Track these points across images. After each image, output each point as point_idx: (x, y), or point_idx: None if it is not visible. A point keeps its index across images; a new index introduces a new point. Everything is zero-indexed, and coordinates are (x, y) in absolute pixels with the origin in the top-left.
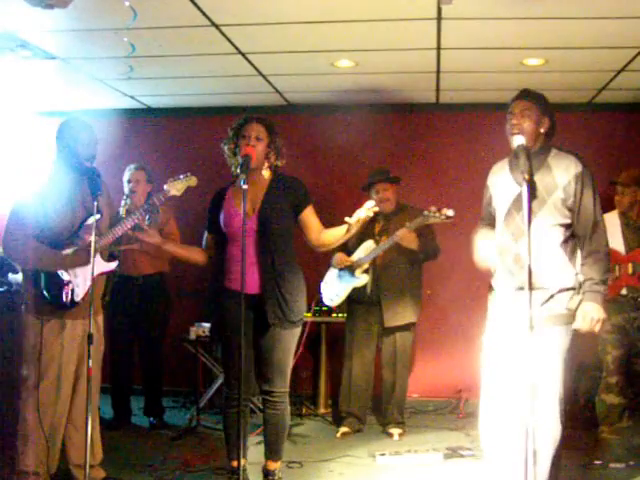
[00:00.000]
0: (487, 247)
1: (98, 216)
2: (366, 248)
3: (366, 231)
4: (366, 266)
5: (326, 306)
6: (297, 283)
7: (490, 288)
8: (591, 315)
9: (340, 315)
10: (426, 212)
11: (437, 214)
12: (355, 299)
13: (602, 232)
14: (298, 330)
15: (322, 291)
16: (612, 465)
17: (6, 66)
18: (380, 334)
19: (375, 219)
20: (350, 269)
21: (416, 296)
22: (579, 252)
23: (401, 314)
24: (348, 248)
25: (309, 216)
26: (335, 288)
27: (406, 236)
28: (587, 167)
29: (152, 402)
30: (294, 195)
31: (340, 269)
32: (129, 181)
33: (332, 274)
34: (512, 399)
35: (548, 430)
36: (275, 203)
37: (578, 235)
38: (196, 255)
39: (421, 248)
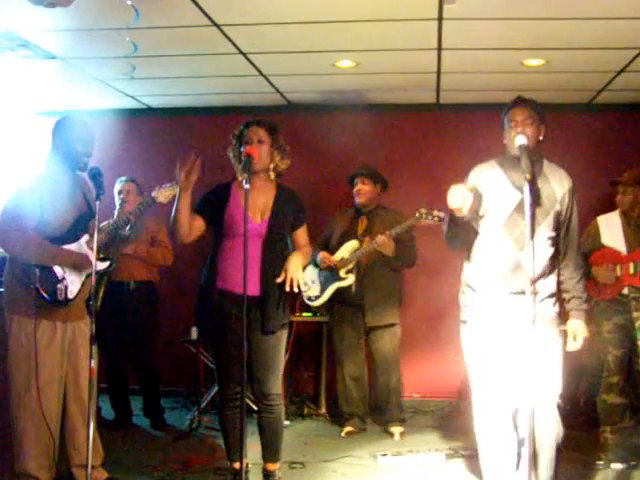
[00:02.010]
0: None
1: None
2: (349, 248)
3: (350, 230)
4: (350, 266)
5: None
6: (285, 287)
7: (467, 289)
8: (582, 333)
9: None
10: (417, 214)
11: (429, 216)
12: (340, 300)
13: (579, 249)
14: (287, 331)
15: (303, 290)
16: (613, 465)
17: (6, 65)
18: (366, 334)
19: (358, 218)
20: (333, 269)
21: (397, 298)
22: (557, 269)
23: (384, 314)
24: (331, 247)
25: (303, 233)
26: (317, 288)
27: (385, 243)
28: (574, 181)
29: (150, 403)
30: (296, 210)
31: (323, 269)
32: (120, 192)
33: (312, 273)
34: (510, 400)
35: (551, 430)
36: (283, 212)
37: (561, 249)
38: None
39: (395, 254)
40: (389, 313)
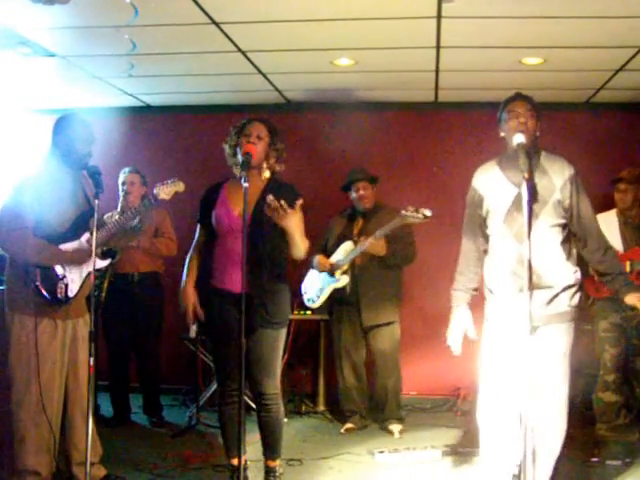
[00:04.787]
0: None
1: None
2: (345, 250)
3: (346, 232)
4: (345, 267)
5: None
6: (282, 286)
7: (487, 291)
8: None
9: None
10: (403, 212)
11: (415, 214)
12: (337, 300)
13: (600, 234)
14: (284, 331)
15: (303, 293)
16: (609, 462)
17: (6, 63)
18: (364, 333)
19: (354, 218)
20: (330, 271)
21: (395, 296)
22: (574, 251)
23: (380, 313)
24: (328, 250)
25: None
26: (316, 290)
27: (373, 245)
28: (576, 168)
29: (150, 400)
30: (286, 198)
31: (320, 271)
32: (124, 183)
33: (312, 276)
34: (520, 399)
35: (556, 428)
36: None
37: (577, 235)
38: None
39: (389, 254)
40: (386, 311)
